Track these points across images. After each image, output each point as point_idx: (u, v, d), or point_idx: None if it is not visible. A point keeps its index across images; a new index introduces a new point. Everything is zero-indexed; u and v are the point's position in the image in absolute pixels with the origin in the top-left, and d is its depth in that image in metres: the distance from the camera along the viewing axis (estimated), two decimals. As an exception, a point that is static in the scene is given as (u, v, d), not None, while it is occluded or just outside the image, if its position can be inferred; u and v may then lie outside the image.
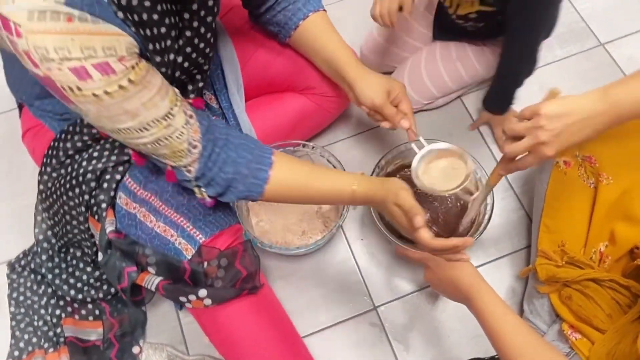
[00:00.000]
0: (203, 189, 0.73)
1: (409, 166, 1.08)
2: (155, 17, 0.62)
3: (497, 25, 1.02)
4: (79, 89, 0.56)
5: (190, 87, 0.81)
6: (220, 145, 0.71)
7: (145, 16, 0.60)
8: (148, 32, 0.62)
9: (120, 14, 0.58)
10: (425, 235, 0.74)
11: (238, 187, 0.74)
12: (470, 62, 1.14)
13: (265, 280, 0.89)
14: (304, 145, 1.04)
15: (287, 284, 1.05)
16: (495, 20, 1.02)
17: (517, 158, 0.72)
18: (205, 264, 0.78)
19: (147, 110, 0.62)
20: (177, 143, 0.67)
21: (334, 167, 1.02)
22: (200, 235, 0.79)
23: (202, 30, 0.73)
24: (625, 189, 0.84)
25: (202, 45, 0.75)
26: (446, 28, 1.13)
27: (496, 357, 0.91)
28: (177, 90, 0.68)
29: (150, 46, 0.64)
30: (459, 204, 1.03)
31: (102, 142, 0.83)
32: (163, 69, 0.68)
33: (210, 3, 0.72)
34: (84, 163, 0.81)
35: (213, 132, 0.71)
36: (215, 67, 0.97)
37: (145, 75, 0.60)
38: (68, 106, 0.60)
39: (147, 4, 0.60)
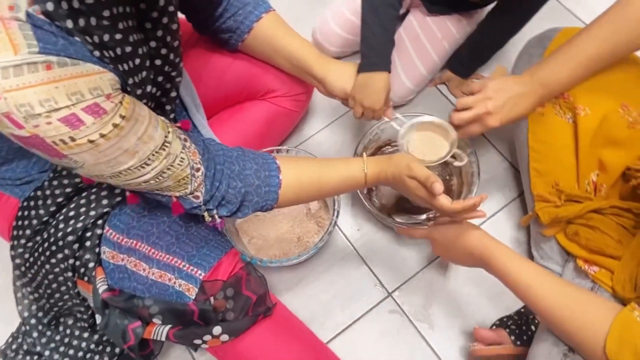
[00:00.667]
0: (214, 211, 0.70)
1: (384, 146, 1.07)
2: (129, 49, 0.59)
3: None
4: (72, 139, 0.52)
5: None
6: (220, 161, 0.69)
7: (119, 51, 0.57)
8: (126, 66, 0.59)
9: (97, 52, 0.54)
10: (446, 200, 0.74)
11: (252, 199, 0.72)
12: (454, 37, 1.12)
13: (275, 297, 0.86)
14: (278, 151, 1.00)
15: (295, 295, 1.02)
16: None
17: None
18: (212, 299, 0.74)
19: (145, 144, 0.59)
20: (180, 170, 0.64)
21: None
22: (200, 272, 0.74)
23: (168, 54, 0.70)
24: (602, 116, 0.84)
25: (169, 69, 0.72)
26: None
27: (522, 309, 0.91)
28: (163, 117, 0.65)
29: (130, 80, 0.60)
30: (446, 171, 1.03)
31: (75, 199, 0.77)
32: (144, 101, 0.64)
33: (171, 8, 0.68)
34: (62, 225, 0.75)
35: (210, 151, 0.69)
36: None
37: (134, 108, 0.57)
38: (58, 162, 0.56)
39: (117, 36, 0.56)
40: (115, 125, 0.54)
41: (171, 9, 0.68)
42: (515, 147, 0.99)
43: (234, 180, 0.70)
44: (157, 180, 0.63)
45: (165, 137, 0.62)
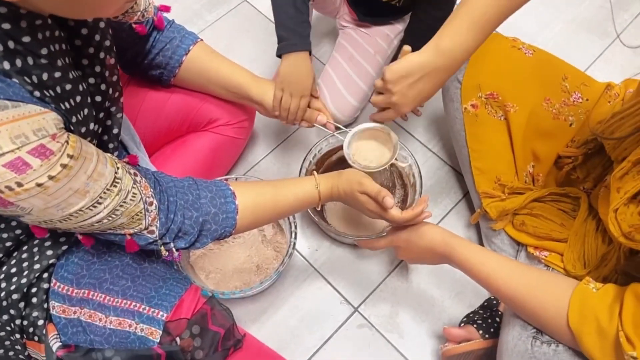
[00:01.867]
0: (170, 245, 0.68)
1: (329, 157, 1.09)
2: (69, 86, 0.56)
3: None
4: (19, 184, 0.49)
5: None
6: (172, 193, 0.67)
7: (59, 89, 0.55)
8: (67, 104, 0.56)
9: (37, 93, 0.52)
10: (397, 212, 0.77)
11: (210, 227, 0.71)
12: (385, 50, 1.15)
13: (243, 329, 0.83)
14: (226, 180, 0.98)
15: (262, 325, 0.99)
16: None
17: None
18: (178, 339, 0.71)
19: (96, 182, 0.56)
20: (133, 206, 0.62)
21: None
22: (161, 312, 0.71)
23: (107, 89, 0.68)
24: (530, 111, 0.91)
25: (109, 105, 0.70)
26: (371, 11, 1.12)
27: (484, 303, 0.94)
28: (109, 154, 0.62)
29: (73, 118, 0.58)
30: (394, 174, 1.06)
31: (15, 254, 0.71)
32: (88, 139, 0.61)
33: (107, 43, 0.66)
34: (4, 284, 0.69)
35: (161, 183, 0.67)
36: None
37: (81, 147, 0.55)
38: (3, 211, 0.52)
39: (57, 74, 0.54)
40: (64, 166, 0.52)
41: (107, 43, 0.67)
42: (455, 150, 1.04)
43: (189, 210, 0.68)
44: (110, 218, 0.60)
45: (115, 173, 0.60)
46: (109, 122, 0.71)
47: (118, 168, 0.61)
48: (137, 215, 0.63)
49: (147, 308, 0.71)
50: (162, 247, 0.68)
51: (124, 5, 0.53)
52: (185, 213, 0.68)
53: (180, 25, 0.92)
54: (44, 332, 0.70)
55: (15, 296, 0.69)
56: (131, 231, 0.64)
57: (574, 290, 0.66)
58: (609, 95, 0.91)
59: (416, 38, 1.10)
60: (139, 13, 0.82)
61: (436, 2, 1.03)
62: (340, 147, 1.07)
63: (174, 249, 0.69)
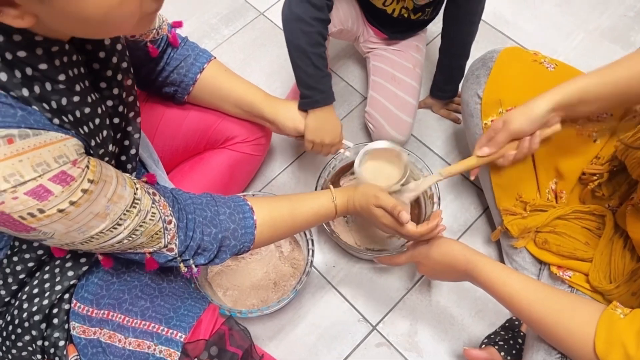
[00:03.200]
0: (190, 261, 0.68)
1: (343, 173, 1.08)
2: (87, 110, 0.57)
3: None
4: (41, 211, 0.50)
5: None
6: (190, 210, 0.68)
7: (78, 113, 0.55)
8: (86, 128, 0.57)
9: (56, 120, 0.52)
10: (412, 227, 0.77)
11: (230, 243, 0.71)
12: (420, 61, 1.16)
13: (261, 349, 0.83)
14: (244, 196, 0.98)
15: (280, 342, 0.98)
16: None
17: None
18: None
19: (116, 205, 0.56)
20: (153, 225, 0.62)
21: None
22: (180, 334, 0.70)
23: (124, 111, 0.68)
24: (552, 127, 0.88)
25: (127, 126, 0.70)
26: (401, 28, 1.13)
27: (506, 324, 0.92)
28: (128, 174, 0.63)
29: (92, 142, 0.58)
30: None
31: (37, 274, 0.72)
32: (106, 160, 0.62)
33: (124, 65, 0.67)
34: (25, 305, 0.70)
35: (179, 201, 0.67)
36: None
37: (101, 170, 0.55)
38: (25, 236, 0.53)
39: (75, 99, 0.55)
40: (85, 191, 0.52)
41: (124, 65, 0.67)
42: (475, 165, 1.02)
43: (208, 226, 0.69)
44: (131, 238, 0.61)
45: (135, 194, 0.60)
46: (126, 143, 0.71)
47: (137, 189, 0.61)
48: (157, 234, 0.63)
49: (166, 329, 0.71)
50: (182, 264, 0.68)
51: (140, 22, 0.52)
52: (204, 230, 0.68)
53: (194, 42, 0.92)
54: (65, 352, 0.70)
55: (37, 317, 0.69)
56: (151, 250, 0.64)
57: (600, 315, 0.63)
58: (634, 109, 0.88)
59: (451, 57, 1.12)
60: (154, 31, 0.83)
61: (465, 15, 1.02)
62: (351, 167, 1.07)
63: (193, 266, 0.69)
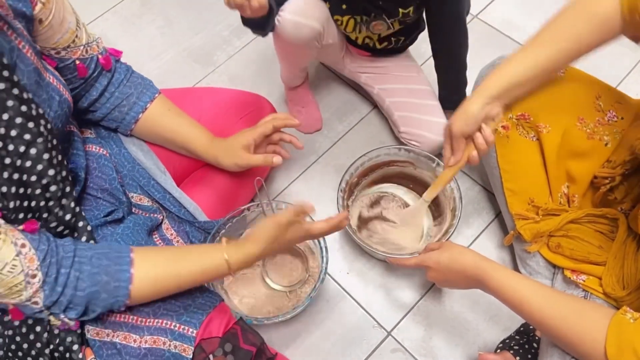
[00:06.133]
0: (61, 315, 0.66)
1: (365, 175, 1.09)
2: None
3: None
4: None
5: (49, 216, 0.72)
6: (67, 265, 0.65)
7: None
8: None
9: None
10: (320, 224, 0.75)
11: (100, 296, 0.67)
12: (416, 67, 1.18)
13: (274, 349, 0.84)
14: (258, 205, 1.00)
15: (296, 349, 1.00)
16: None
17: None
18: (211, 356, 0.72)
19: None
20: (11, 277, 0.60)
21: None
22: (191, 329, 0.72)
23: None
24: (564, 131, 0.89)
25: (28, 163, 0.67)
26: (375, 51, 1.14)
27: (521, 328, 0.92)
28: (0, 221, 0.61)
29: None
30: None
31: None
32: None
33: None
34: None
35: (56, 254, 0.65)
36: (131, 166, 0.91)
37: None
38: None
39: None
40: None
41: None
42: (486, 171, 1.03)
43: (83, 281, 0.66)
44: None
45: None
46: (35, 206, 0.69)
47: None
48: (16, 286, 0.61)
49: (178, 325, 0.72)
50: (52, 317, 0.66)
51: None
52: (78, 285, 0.65)
53: (139, 75, 0.90)
54: (80, 356, 0.72)
55: (38, 328, 0.71)
56: (12, 302, 0.63)
57: (610, 320, 0.64)
58: (645, 113, 0.88)
59: (448, 72, 1.12)
60: (81, 47, 0.79)
61: (449, 28, 1.03)
62: (372, 169, 1.08)
63: (66, 320, 0.67)
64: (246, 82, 1.35)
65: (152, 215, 0.91)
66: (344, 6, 0.94)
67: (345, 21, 0.99)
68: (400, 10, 0.96)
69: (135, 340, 0.72)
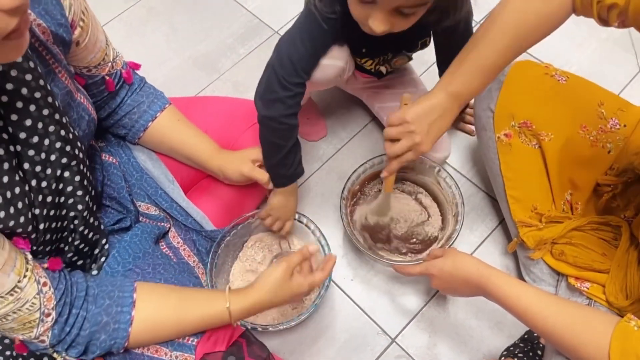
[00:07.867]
0: (63, 354, 0.67)
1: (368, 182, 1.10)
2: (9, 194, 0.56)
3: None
4: None
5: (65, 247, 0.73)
6: (78, 305, 0.66)
7: None
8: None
9: None
10: (320, 274, 0.82)
11: (99, 337, 0.67)
12: (410, 75, 1.17)
13: (280, 358, 0.84)
14: (253, 216, 1.01)
15: (300, 356, 1.00)
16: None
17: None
18: None
19: None
20: (28, 315, 0.61)
21: (302, 222, 1.01)
22: (192, 338, 0.73)
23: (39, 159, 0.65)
24: (566, 139, 0.90)
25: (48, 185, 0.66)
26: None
27: (525, 335, 0.93)
28: (28, 256, 0.61)
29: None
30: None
31: None
32: (20, 231, 0.60)
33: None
34: None
35: (71, 294, 0.66)
36: (139, 175, 0.92)
37: None
38: None
39: None
40: None
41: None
42: (489, 178, 1.04)
43: (87, 321, 0.66)
44: (0, 322, 0.60)
45: (18, 282, 0.59)
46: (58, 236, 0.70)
47: (25, 277, 0.60)
48: (30, 323, 0.62)
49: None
50: (56, 354, 0.67)
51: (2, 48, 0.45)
52: (82, 325, 0.66)
53: (151, 86, 0.92)
54: None
55: None
56: (21, 337, 0.63)
57: (615, 328, 0.64)
58: (648, 120, 0.89)
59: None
60: (110, 63, 0.81)
61: (452, 39, 1.01)
62: (372, 177, 1.09)
63: (67, 358, 0.67)
64: (251, 90, 1.33)
65: (159, 223, 0.92)
66: (364, 50, 0.95)
67: (365, 61, 1.00)
68: (419, 42, 0.96)
69: (139, 348, 0.73)
